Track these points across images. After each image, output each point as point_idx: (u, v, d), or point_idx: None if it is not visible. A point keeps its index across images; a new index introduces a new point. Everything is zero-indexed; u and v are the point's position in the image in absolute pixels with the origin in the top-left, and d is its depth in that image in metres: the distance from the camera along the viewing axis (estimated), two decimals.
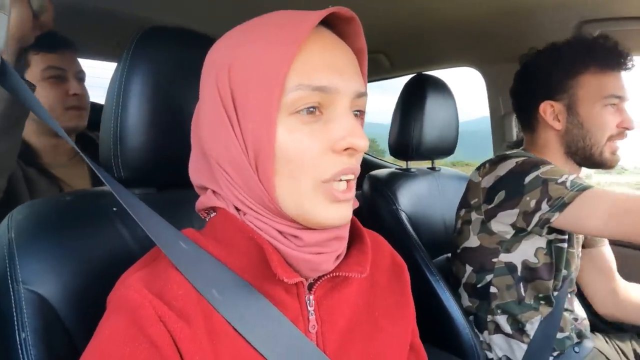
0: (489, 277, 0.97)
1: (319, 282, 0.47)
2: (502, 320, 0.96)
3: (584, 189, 0.82)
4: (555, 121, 0.98)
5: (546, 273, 0.93)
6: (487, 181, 0.96)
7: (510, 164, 0.93)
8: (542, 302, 0.95)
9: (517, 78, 1.06)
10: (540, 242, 0.93)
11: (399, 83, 1.32)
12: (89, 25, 1.36)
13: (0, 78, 0.53)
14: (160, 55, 0.59)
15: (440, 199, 1.29)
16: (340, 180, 0.42)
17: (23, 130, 0.80)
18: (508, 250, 0.94)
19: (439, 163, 1.41)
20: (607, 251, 1.13)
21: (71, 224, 0.53)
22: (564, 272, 0.95)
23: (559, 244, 0.93)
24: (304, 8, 0.43)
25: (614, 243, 1.22)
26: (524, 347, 0.94)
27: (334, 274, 0.46)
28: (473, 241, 0.99)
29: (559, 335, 0.95)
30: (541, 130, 1.01)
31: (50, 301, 0.48)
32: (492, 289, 0.96)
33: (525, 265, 0.94)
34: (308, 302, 0.46)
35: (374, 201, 1.19)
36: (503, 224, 0.93)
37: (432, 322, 1.00)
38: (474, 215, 0.99)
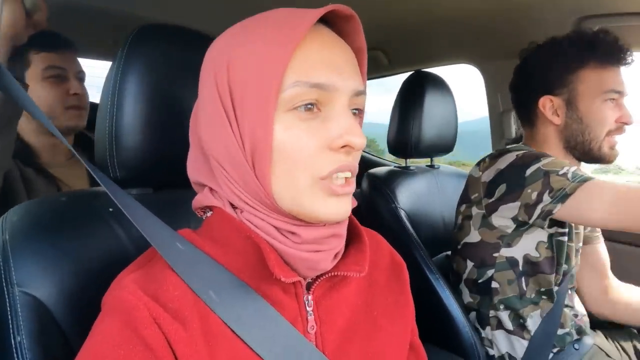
0: (490, 272, 0.97)
1: (317, 282, 0.47)
2: (504, 316, 0.96)
3: (585, 180, 0.82)
4: (554, 116, 0.98)
5: (548, 267, 0.93)
6: (487, 175, 0.96)
7: (510, 157, 0.93)
8: (543, 297, 0.95)
9: (516, 72, 1.06)
10: (542, 236, 0.93)
11: (399, 83, 1.32)
12: (85, 24, 1.36)
13: None
14: (155, 54, 0.58)
15: (440, 197, 1.29)
16: (338, 177, 0.42)
17: (16, 129, 0.79)
18: (509, 245, 0.94)
19: (436, 162, 1.41)
20: (601, 249, 1.13)
21: (66, 225, 0.53)
22: (564, 266, 0.95)
23: (560, 238, 0.93)
24: (304, 6, 0.43)
25: (609, 239, 1.22)
26: (525, 343, 0.94)
27: (332, 274, 0.46)
28: (474, 236, 0.99)
29: (559, 332, 0.95)
30: (540, 125, 1.01)
31: (46, 303, 0.47)
32: (494, 284, 0.96)
33: (527, 259, 0.94)
34: (307, 302, 0.46)
35: (373, 199, 1.19)
36: (504, 217, 0.92)
37: (432, 321, 1.00)
38: (474, 210, 0.99)
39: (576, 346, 0.97)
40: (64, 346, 0.48)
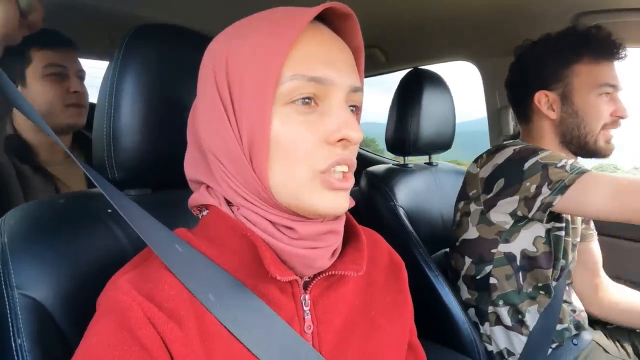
0: (488, 268, 0.97)
1: (314, 281, 0.47)
2: (503, 311, 0.96)
3: (583, 171, 0.82)
4: (550, 110, 0.98)
5: (545, 262, 0.94)
6: (485, 171, 0.96)
7: (508, 152, 0.93)
8: (541, 291, 0.95)
9: (512, 69, 1.07)
10: (539, 230, 0.93)
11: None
12: (81, 23, 1.35)
13: None
14: (152, 53, 0.58)
15: (438, 194, 1.29)
16: (335, 171, 0.42)
17: (6, 126, 0.79)
18: (507, 241, 0.95)
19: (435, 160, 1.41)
20: (594, 247, 1.14)
21: (65, 227, 0.53)
22: (562, 261, 0.96)
23: (557, 232, 0.94)
24: (302, 5, 0.43)
25: (604, 234, 1.22)
26: (523, 339, 0.95)
27: (330, 273, 0.46)
28: (472, 233, 0.99)
29: (558, 327, 0.96)
30: (537, 121, 1.02)
31: (46, 305, 0.47)
32: (492, 280, 0.97)
33: (524, 254, 0.94)
34: (304, 301, 0.46)
35: (372, 197, 1.19)
36: (502, 213, 0.93)
37: (431, 318, 1.00)
38: (472, 207, 0.99)
39: (575, 341, 0.98)
40: (64, 347, 0.48)
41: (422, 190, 1.25)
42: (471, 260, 1.00)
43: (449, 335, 0.98)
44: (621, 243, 1.35)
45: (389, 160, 2.23)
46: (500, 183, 0.91)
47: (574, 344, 0.97)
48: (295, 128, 0.41)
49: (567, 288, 1.03)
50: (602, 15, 1.12)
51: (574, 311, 1.02)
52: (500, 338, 0.97)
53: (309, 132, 0.41)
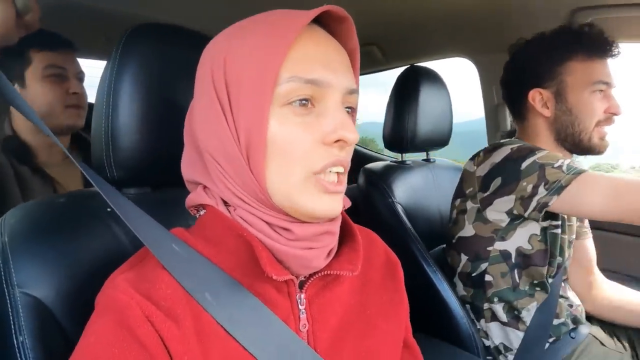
0: (484, 266, 0.98)
1: (310, 281, 0.47)
2: (498, 308, 0.97)
3: (580, 172, 0.83)
4: (544, 108, 0.99)
5: (540, 259, 0.94)
6: (482, 169, 0.97)
7: (505, 151, 0.93)
8: (537, 288, 0.96)
9: (506, 68, 1.08)
10: (535, 229, 0.94)
11: None
12: (79, 23, 1.35)
13: None
14: (150, 53, 0.58)
15: (436, 190, 1.29)
16: (330, 172, 0.43)
17: (4, 125, 0.79)
18: (503, 239, 0.95)
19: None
20: (589, 244, 1.14)
21: (65, 225, 0.53)
22: (558, 259, 0.96)
23: (554, 230, 0.94)
24: (300, 7, 0.44)
25: (598, 228, 1.23)
26: (520, 334, 0.95)
27: (325, 272, 0.46)
28: (468, 230, 1.00)
29: (555, 322, 0.97)
30: (532, 119, 1.02)
31: (47, 304, 0.48)
32: (487, 277, 0.97)
33: (519, 252, 0.95)
34: (299, 300, 0.46)
35: (370, 194, 1.20)
36: (499, 212, 0.93)
37: (430, 313, 1.01)
38: (469, 205, 1.00)
39: (572, 335, 0.98)
40: (66, 345, 0.48)
41: (420, 187, 1.26)
42: (467, 257, 1.01)
43: (447, 329, 0.99)
44: (615, 237, 1.36)
45: (389, 158, 2.24)
46: (497, 182, 0.91)
47: (572, 337, 0.98)
48: (292, 129, 0.41)
49: (563, 284, 1.03)
50: (598, 10, 1.12)
51: (570, 306, 1.03)
52: (497, 334, 0.98)
53: (306, 133, 0.41)
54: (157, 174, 0.62)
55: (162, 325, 0.39)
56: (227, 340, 0.42)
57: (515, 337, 0.96)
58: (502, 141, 1.01)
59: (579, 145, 0.97)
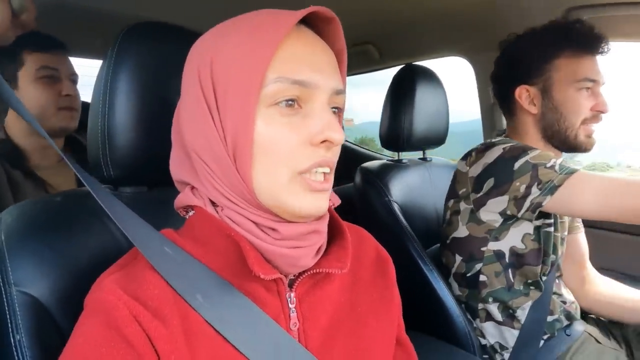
0: (478, 266, 0.98)
1: (299, 279, 0.47)
2: (493, 308, 0.97)
3: (572, 171, 0.83)
4: (531, 105, 0.99)
5: (533, 259, 0.94)
6: (474, 170, 0.97)
7: (497, 151, 0.93)
8: (531, 287, 0.96)
9: (496, 63, 1.07)
10: (528, 228, 0.94)
11: None
12: (75, 23, 1.34)
13: None
14: (146, 51, 0.58)
15: (432, 189, 1.30)
16: (317, 172, 0.43)
17: None
18: (497, 239, 0.96)
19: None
20: (581, 239, 1.15)
21: (62, 224, 0.53)
22: (552, 257, 0.97)
23: (547, 229, 0.95)
24: (290, 7, 0.44)
25: (589, 226, 1.24)
26: (516, 333, 0.96)
27: (314, 271, 0.46)
28: (462, 231, 1.00)
29: (549, 319, 0.97)
30: (520, 116, 1.02)
31: (43, 302, 0.48)
32: (482, 277, 0.98)
33: (513, 251, 0.95)
34: (289, 299, 0.47)
35: (366, 193, 1.20)
36: (492, 212, 0.93)
37: (427, 312, 1.01)
38: (462, 205, 1.00)
39: (567, 332, 0.99)
40: (62, 343, 0.48)
41: (417, 186, 1.26)
42: (461, 258, 1.01)
43: (443, 328, 1.00)
44: (610, 235, 1.37)
45: (386, 157, 2.24)
46: (490, 182, 0.92)
47: (567, 335, 0.99)
48: (278, 129, 0.41)
49: (557, 280, 1.04)
50: (593, 9, 1.12)
51: (564, 302, 1.03)
52: (492, 333, 0.99)
53: (292, 133, 0.42)
54: (153, 173, 0.62)
55: (149, 325, 0.39)
56: (215, 339, 0.42)
57: (511, 336, 0.96)
58: (493, 140, 1.01)
59: (565, 143, 0.97)
